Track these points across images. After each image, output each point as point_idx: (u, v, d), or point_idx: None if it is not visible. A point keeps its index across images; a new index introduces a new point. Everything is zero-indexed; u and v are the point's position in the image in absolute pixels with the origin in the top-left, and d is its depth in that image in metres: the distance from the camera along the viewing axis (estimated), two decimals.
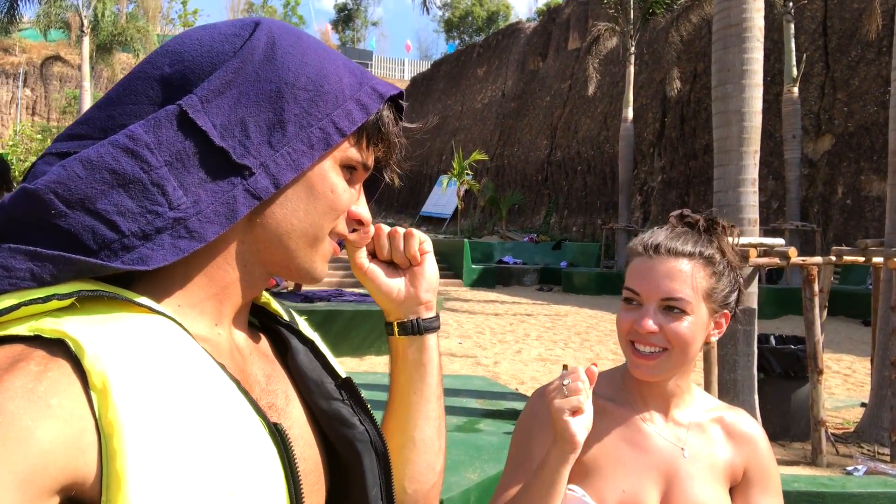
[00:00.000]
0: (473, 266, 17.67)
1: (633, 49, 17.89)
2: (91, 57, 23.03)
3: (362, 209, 0.72)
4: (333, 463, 0.73)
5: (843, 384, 7.35)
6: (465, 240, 18.61)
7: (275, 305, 0.79)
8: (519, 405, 5.33)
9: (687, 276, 1.10)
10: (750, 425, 1.20)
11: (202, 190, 0.59)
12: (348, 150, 0.68)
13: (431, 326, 0.83)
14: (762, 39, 4.99)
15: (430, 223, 28.96)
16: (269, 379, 0.70)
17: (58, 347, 0.50)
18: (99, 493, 0.48)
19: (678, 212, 1.20)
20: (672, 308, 1.09)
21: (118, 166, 0.55)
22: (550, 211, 25.03)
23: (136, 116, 0.60)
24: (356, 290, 9.98)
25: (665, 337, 1.09)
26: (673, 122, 20.79)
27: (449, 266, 18.17)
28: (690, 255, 1.11)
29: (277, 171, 0.62)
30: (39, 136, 28.49)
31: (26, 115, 34.83)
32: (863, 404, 6.13)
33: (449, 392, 6.16)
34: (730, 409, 1.23)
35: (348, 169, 0.69)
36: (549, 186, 25.83)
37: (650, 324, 1.08)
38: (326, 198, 0.66)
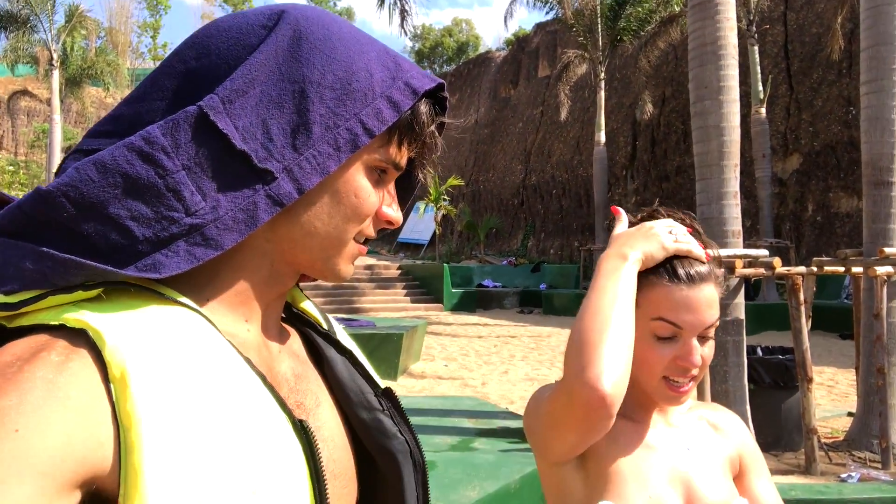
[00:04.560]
0: (454, 290, 17.65)
1: (602, 75, 18.27)
2: (60, 90, 22.81)
3: (392, 210, 0.69)
4: (367, 472, 0.70)
5: (827, 395, 7.43)
6: (445, 264, 18.61)
7: (313, 312, 0.77)
8: (511, 423, 5.28)
9: (717, 298, 1.04)
10: (730, 416, 1.21)
11: (222, 195, 0.56)
12: (377, 151, 0.64)
13: None
14: (737, 56, 5.12)
15: (408, 249, 28.94)
16: (298, 378, 0.67)
17: (80, 338, 0.49)
18: (117, 487, 0.47)
19: (649, 211, 1.14)
20: (706, 336, 1.04)
21: (132, 170, 0.53)
22: (528, 234, 25.20)
23: (162, 113, 0.58)
24: (338, 316, 9.88)
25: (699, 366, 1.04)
26: (644, 145, 21.19)
27: (429, 291, 18.13)
28: (714, 277, 1.05)
29: (302, 175, 0.58)
30: (11, 168, 28.05)
31: None
32: (849, 413, 6.19)
33: (440, 412, 6.12)
34: (705, 405, 1.23)
35: (377, 170, 0.66)
36: (526, 210, 26.04)
37: (698, 358, 1.01)
38: (350, 202, 0.63)
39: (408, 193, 0.77)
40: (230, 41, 0.61)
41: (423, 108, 0.66)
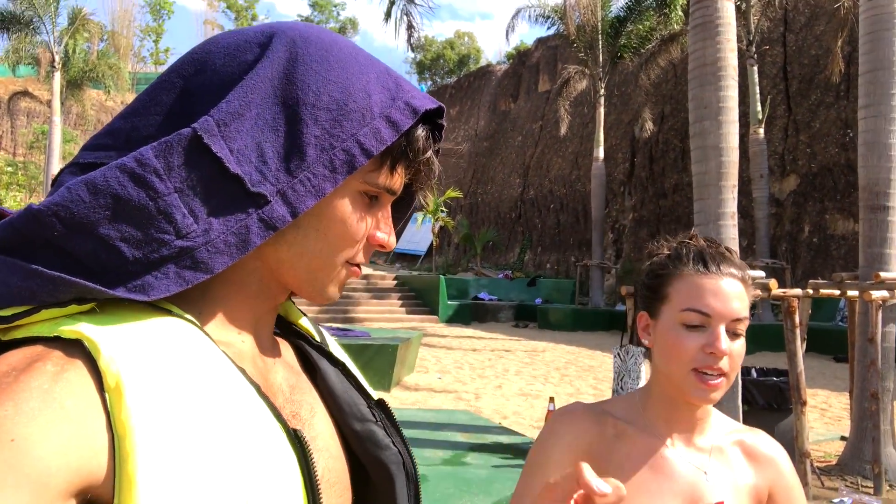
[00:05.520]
0: (449, 302, 17.63)
1: (602, 91, 18.36)
2: (61, 92, 22.82)
3: (384, 235, 0.68)
4: (362, 486, 0.70)
5: (820, 418, 7.42)
6: (441, 276, 18.60)
7: (306, 325, 0.77)
8: (504, 439, 5.26)
9: (746, 297, 1.07)
10: (771, 446, 1.18)
11: (214, 218, 0.56)
12: (369, 176, 0.63)
13: None
14: (736, 78, 5.15)
15: (405, 259, 28.92)
16: (293, 389, 0.67)
17: (75, 349, 0.49)
18: (112, 496, 0.47)
19: (689, 235, 1.17)
20: (735, 331, 1.06)
21: (123, 192, 0.53)
22: (524, 248, 25.22)
23: (158, 127, 0.59)
24: (332, 325, 9.85)
25: (728, 361, 1.05)
26: (642, 162, 21.27)
27: (424, 302, 18.10)
28: (742, 279, 1.08)
29: (296, 198, 0.58)
30: (10, 169, 28.01)
31: None
32: (842, 437, 6.18)
33: (433, 426, 6.09)
34: (749, 430, 1.20)
35: (368, 196, 0.65)
36: (523, 224, 26.08)
37: (726, 346, 1.03)
38: (337, 228, 0.63)
39: (404, 212, 0.77)
40: (227, 58, 0.61)
41: (419, 132, 0.65)
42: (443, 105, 0.69)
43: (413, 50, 18.85)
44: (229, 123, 0.57)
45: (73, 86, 23.95)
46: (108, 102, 29.89)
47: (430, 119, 0.67)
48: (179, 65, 0.63)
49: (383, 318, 16.74)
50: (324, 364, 0.73)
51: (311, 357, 0.73)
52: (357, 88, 0.62)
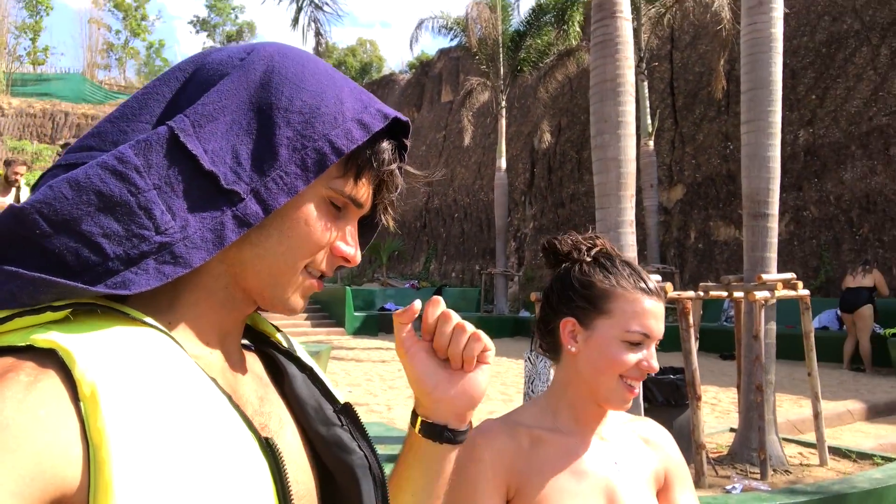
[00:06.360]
0: (356, 314, 17.44)
1: (504, 103, 18.85)
2: None
3: (348, 248, 0.69)
4: (328, 491, 0.71)
5: (711, 412, 7.92)
6: (347, 287, 18.37)
7: (274, 333, 0.77)
8: None
9: None
10: (659, 431, 1.29)
11: (191, 215, 0.58)
12: (334, 183, 0.65)
13: (457, 440, 0.76)
14: (633, 93, 5.46)
15: None
16: (262, 401, 0.68)
17: (49, 358, 0.50)
18: None
19: (593, 236, 1.24)
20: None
21: (105, 188, 0.54)
22: (430, 257, 25.38)
23: (145, 133, 0.60)
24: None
25: None
26: (541, 173, 21.97)
27: (331, 314, 17.81)
28: None
29: (269, 196, 0.60)
30: None
31: None
32: (732, 429, 6.62)
33: None
34: (636, 418, 1.31)
35: (334, 205, 0.67)
36: (428, 233, 26.25)
37: (657, 364, 1.15)
38: (300, 229, 0.64)
39: (370, 234, 0.79)
40: (210, 72, 0.63)
41: (385, 144, 0.68)
42: (408, 120, 0.71)
43: (320, 57, 18.62)
44: (203, 125, 0.59)
45: None
46: None
47: (397, 138, 0.71)
48: (169, 76, 0.64)
49: (289, 332, 16.19)
50: (292, 369, 0.73)
51: (279, 362, 0.74)
52: (329, 95, 0.64)
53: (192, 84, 0.62)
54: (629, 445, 1.23)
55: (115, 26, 49.56)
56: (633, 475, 1.19)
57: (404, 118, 0.70)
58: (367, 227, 0.79)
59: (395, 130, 0.71)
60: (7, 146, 27.15)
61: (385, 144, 0.68)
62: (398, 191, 0.72)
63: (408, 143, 0.72)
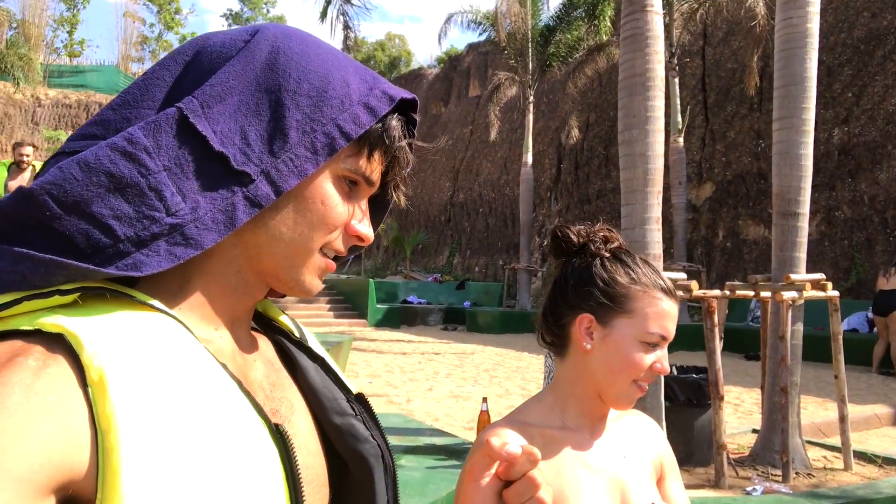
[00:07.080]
0: (378, 306, 17.53)
1: (531, 98, 18.75)
2: None
3: (362, 226, 0.69)
4: (338, 478, 0.71)
5: (734, 413, 7.82)
6: (371, 279, 18.47)
7: (285, 321, 0.77)
8: (437, 440, 5.29)
9: None
10: (650, 422, 1.28)
11: (201, 196, 0.57)
12: (347, 161, 0.65)
13: None
14: (663, 88, 5.38)
15: None
16: (273, 386, 0.68)
17: (57, 343, 0.49)
18: (94, 491, 0.47)
19: (607, 229, 1.20)
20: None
21: (115, 169, 0.54)
22: (454, 251, 25.39)
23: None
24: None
25: None
26: (568, 169, 21.83)
27: (353, 306, 17.93)
28: None
29: (279, 177, 0.60)
30: None
31: None
32: (754, 430, 6.53)
33: None
34: (629, 412, 1.28)
35: (349, 182, 0.67)
36: (453, 227, 26.26)
37: (668, 365, 1.15)
38: (317, 209, 0.64)
39: (381, 213, 0.78)
40: (214, 55, 0.63)
41: (395, 122, 0.68)
42: (416, 97, 0.71)
43: (349, 51, 18.74)
44: (212, 105, 0.59)
45: None
46: (16, 95, 27.98)
47: (405, 114, 0.71)
48: (170, 60, 0.64)
49: (311, 322, 16.48)
50: (303, 360, 0.73)
51: (290, 353, 0.73)
52: (336, 78, 0.64)
53: (194, 67, 0.62)
54: (632, 439, 1.22)
55: (149, 20, 50.34)
56: (640, 468, 1.18)
57: (410, 95, 0.70)
58: (379, 206, 0.78)
59: (404, 106, 0.71)
60: (44, 135, 27.75)
61: (395, 122, 0.68)
62: (409, 167, 0.72)
63: (416, 117, 0.72)
